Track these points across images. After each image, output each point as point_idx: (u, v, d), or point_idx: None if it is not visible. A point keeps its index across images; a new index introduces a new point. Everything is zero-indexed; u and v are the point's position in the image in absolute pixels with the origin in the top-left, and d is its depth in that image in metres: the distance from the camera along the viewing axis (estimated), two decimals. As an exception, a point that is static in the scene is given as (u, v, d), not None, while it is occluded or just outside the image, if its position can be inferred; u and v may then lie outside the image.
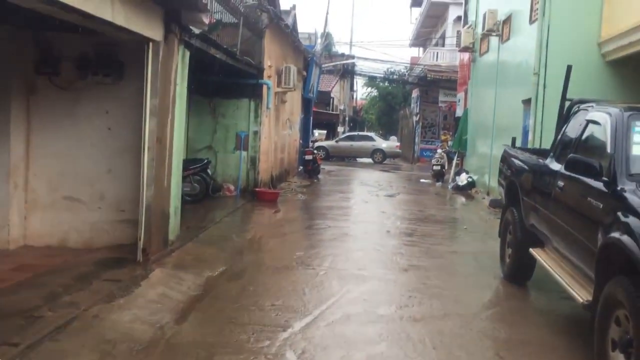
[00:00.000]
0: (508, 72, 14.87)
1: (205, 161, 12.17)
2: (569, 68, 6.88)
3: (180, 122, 7.93)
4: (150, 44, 6.78)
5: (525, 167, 6.89)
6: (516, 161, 7.34)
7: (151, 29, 6.64)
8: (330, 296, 6.06)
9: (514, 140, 8.70)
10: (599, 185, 4.58)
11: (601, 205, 4.45)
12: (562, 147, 5.97)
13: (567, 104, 6.47)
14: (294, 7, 22.87)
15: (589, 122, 5.40)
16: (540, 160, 6.43)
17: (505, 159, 7.94)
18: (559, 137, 6.19)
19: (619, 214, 4.15)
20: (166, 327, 5.11)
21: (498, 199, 13.59)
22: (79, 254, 7.30)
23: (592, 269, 4.52)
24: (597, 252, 4.29)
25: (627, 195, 4.23)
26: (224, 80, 12.88)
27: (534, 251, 6.18)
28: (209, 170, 12.31)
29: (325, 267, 7.32)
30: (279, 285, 6.53)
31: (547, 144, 11.12)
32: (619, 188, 4.35)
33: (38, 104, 7.59)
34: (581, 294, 4.73)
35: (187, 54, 7.92)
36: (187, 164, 11.86)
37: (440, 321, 5.41)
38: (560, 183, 5.42)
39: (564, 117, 6.41)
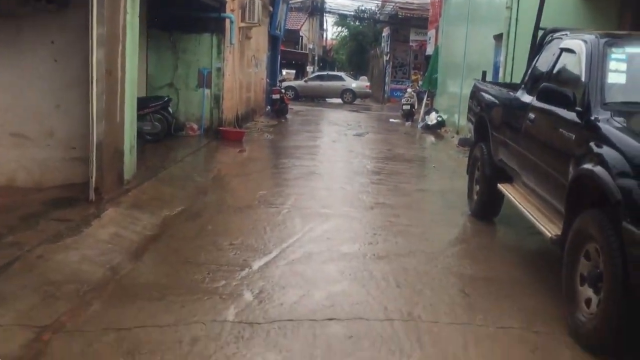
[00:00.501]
0: (480, 7, 14.45)
1: (166, 99, 11.65)
2: (543, -4, 6.53)
3: (133, 53, 7.41)
4: (95, -35, 6.21)
5: (495, 101, 6.64)
6: (486, 95, 7.08)
7: (95, -51, 6.06)
8: (292, 235, 5.83)
9: (484, 74, 8.43)
10: (572, 115, 4.35)
11: (574, 136, 4.24)
12: (534, 79, 5.71)
13: (540, 33, 6.17)
14: (259, -62, 21.75)
15: (562, 50, 5.13)
16: (511, 93, 6.17)
17: (475, 94, 7.68)
18: (531, 67, 5.92)
19: (592, 144, 3.94)
20: (118, 267, 4.84)
21: (467, 137, 13.43)
22: (27, 194, 6.89)
23: (562, 203, 4.34)
24: (568, 185, 4.09)
25: (600, 124, 4.02)
26: (184, 13, 12.23)
27: (502, 186, 6.01)
28: (170, 109, 11.79)
29: (289, 205, 7.07)
30: (240, 224, 6.27)
31: (518, 80, 10.89)
32: (592, 118, 4.13)
33: (-24, 33, 7.00)
34: (550, 229, 4.57)
35: (139, -20, 7.34)
36: (146, 101, 11.36)
37: (405, 258, 5.23)
38: (532, 115, 5.18)
39: (537, 47, 6.12)
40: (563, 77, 5.03)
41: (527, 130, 5.29)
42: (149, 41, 12.50)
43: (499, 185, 6.06)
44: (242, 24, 14.42)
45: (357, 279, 4.69)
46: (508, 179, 6.13)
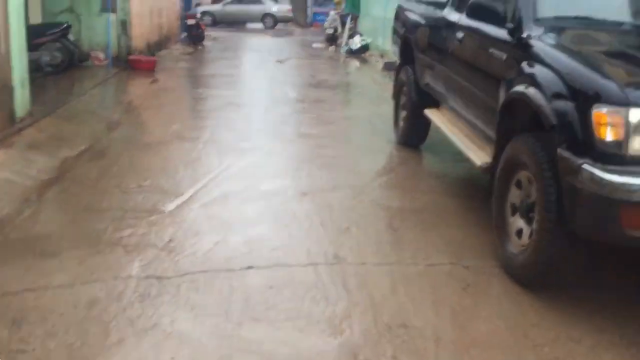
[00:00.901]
0: None
1: (65, 25, 10.53)
2: None
3: (15, -28, 6.45)
4: None
5: (421, 21, 6.24)
6: (411, 15, 6.66)
7: None
8: (208, 173, 5.36)
9: (409, -8, 7.92)
10: (502, 33, 4.01)
11: (505, 55, 3.92)
12: (462, -5, 5.32)
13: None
14: None
15: (492, -38, 4.72)
16: (438, 12, 5.78)
17: (399, 14, 7.25)
18: (458, -17, 5.51)
19: (524, 64, 3.63)
20: (5, 219, 4.25)
21: (392, 61, 13.09)
22: None
23: (492, 128, 4.08)
24: (499, 109, 3.81)
25: (532, 42, 3.70)
26: None
27: (428, 112, 5.72)
28: (71, 36, 10.71)
29: (205, 140, 6.54)
30: (149, 163, 5.71)
31: None
32: (524, 35, 3.80)
33: None
34: (479, 157, 4.33)
35: None
36: (42, 29, 10.29)
37: (329, 194, 4.90)
38: (460, 34, 4.82)
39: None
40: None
41: (454, 52, 4.94)
42: (40, -40, 11.19)
43: (425, 111, 5.77)
44: (148, -59, 13.18)
45: (278, 220, 4.32)
46: (435, 104, 5.85)
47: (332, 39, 19.41)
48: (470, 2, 4.21)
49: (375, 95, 10.05)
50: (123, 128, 7.16)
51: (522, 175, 3.53)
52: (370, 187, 5.10)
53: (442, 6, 6.18)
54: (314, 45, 19.61)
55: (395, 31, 7.47)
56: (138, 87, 10.15)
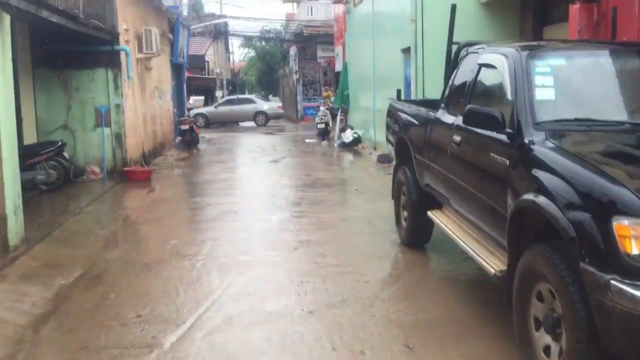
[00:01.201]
0: (384, 21, 14.30)
1: (59, 144, 10.59)
2: (453, 7, 6.24)
3: (7, 100, 6.49)
4: (-54, 5, 5.32)
5: (415, 121, 6.25)
6: (404, 115, 6.69)
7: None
8: (209, 294, 5.13)
9: (399, 92, 8.06)
10: (502, 138, 3.96)
11: (507, 161, 3.83)
12: (454, 97, 5.34)
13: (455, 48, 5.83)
14: (152, -36, 20.85)
15: (482, 66, 4.76)
16: (431, 113, 5.79)
17: (392, 113, 7.28)
18: (449, 85, 5.55)
19: (530, 170, 3.54)
20: (-3, 367, 3.98)
21: (386, 154, 13.18)
22: None
23: (502, 234, 3.93)
24: (509, 217, 3.67)
25: (535, 148, 3.63)
26: (73, 48, 11.25)
27: (432, 214, 5.59)
28: (65, 153, 10.75)
29: (204, 255, 6.35)
30: (148, 286, 5.48)
31: (430, 94, 10.70)
32: (525, 140, 3.74)
33: None
34: (492, 263, 4.14)
35: (7, 18, 6.45)
36: (36, 149, 10.36)
37: (338, 310, 4.66)
38: (457, 137, 4.78)
39: (452, 62, 5.78)
40: (486, 95, 4.67)
41: (453, 154, 4.88)
42: (35, 81, 11.43)
43: (429, 213, 5.64)
44: (140, 55, 13.56)
45: (286, 346, 4.06)
46: (437, 204, 5.73)
47: (324, 134, 19.72)
48: (466, 109, 4.15)
49: (373, 192, 9.97)
50: (120, 248, 6.98)
51: (543, 287, 3.35)
52: (379, 300, 4.87)
53: (433, 106, 6.26)
54: (307, 140, 19.87)
55: (389, 128, 7.48)
56: (134, 200, 10.07)
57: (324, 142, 18.89)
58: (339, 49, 21.57)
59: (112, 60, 11.75)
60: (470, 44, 5.48)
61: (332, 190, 10.29)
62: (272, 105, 30.86)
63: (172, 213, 8.92)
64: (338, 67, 21.68)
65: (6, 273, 5.83)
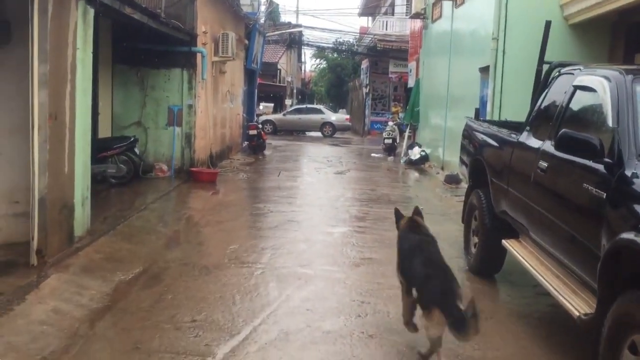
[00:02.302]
0: (463, 39, 13.91)
1: (132, 139, 10.77)
2: (548, 24, 5.86)
3: (85, 93, 6.58)
4: (36, -4, 5.41)
5: (495, 143, 5.91)
6: (482, 136, 6.35)
7: (35, -23, 5.27)
8: (266, 306, 4.96)
9: (477, 111, 7.75)
10: (599, 168, 3.60)
11: (604, 194, 3.47)
12: (541, 120, 4.99)
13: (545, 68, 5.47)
14: (234, -29, 21.23)
15: (577, 88, 4.41)
16: (513, 136, 5.44)
17: (469, 133, 6.96)
18: (537, 107, 5.19)
19: (632, 207, 3.18)
20: (49, 358, 3.92)
21: (454, 175, 12.76)
22: (-39, 256, 5.97)
23: (591, 274, 3.56)
24: (603, 257, 3.31)
25: (638, 181, 3.26)
26: (152, 47, 11.47)
27: (508, 243, 5.23)
28: (136, 149, 10.93)
29: (263, 264, 6.21)
30: (205, 291, 5.37)
31: (507, 115, 10.25)
32: (627, 173, 3.37)
33: None
34: (576, 304, 3.77)
35: (91, 11, 6.55)
36: (110, 142, 10.54)
37: (400, 337, 4.38)
38: (543, 164, 4.43)
39: (542, 83, 5.42)
40: (581, 120, 4.31)
41: (538, 181, 4.53)
42: (114, 77, 11.71)
43: (504, 242, 5.28)
44: (216, 58, 13.70)
45: (344, 372, 3.83)
46: (513, 232, 5.37)
47: (391, 149, 19.41)
48: (560, 134, 3.81)
49: (439, 212, 9.62)
50: (180, 247, 6.94)
51: (638, 339, 2.98)
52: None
53: (514, 128, 5.90)
54: (373, 154, 19.60)
55: (463, 150, 7.16)
56: (198, 201, 10.09)
57: (390, 158, 18.58)
58: (412, 64, 21.25)
59: (188, 61, 11.90)
60: (563, 65, 5.13)
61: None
62: (339, 117, 30.78)
63: (234, 217, 8.85)
64: (410, 83, 21.36)
65: (69, 263, 5.85)
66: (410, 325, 4.19)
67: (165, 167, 11.84)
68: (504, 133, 5.76)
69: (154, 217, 8.42)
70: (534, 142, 4.84)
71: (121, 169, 10.53)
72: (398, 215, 4.63)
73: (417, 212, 4.64)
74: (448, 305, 3.62)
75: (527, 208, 4.77)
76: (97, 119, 10.44)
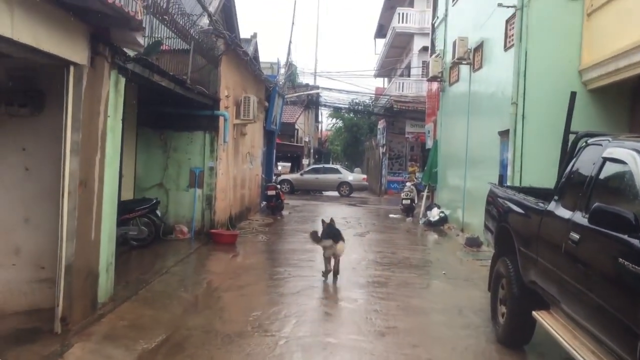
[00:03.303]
0: (481, 102, 14.08)
1: (154, 201, 10.89)
2: (573, 95, 5.94)
3: (114, 161, 6.71)
4: (71, 68, 5.61)
5: (521, 211, 5.87)
6: (508, 203, 6.33)
7: (72, 50, 5.47)
8: (292, 380, 4.86)
9: (501, 177, 7.75)
10: (635, 243, 3.55)
11: (642, 271, 3.41)
12: (570, 190, 4.97)
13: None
14: (255, 36, 21.91)
15: (606, 160, 4.40)
16: (541, 204, 5.41)
17: (493, 199, 6.93)
18: (565, 177, 5.18)
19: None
20: None
21: (475, 237, 12.66)
22: (-15, 322, 5.96)
23: (630, 352, 3.46)
24: (644, 337, 3.22)
25: (677, 259, 3.21)
26: (176, 111, 11.74)
27: (539, 315, 5.11)
28: (158, 211, 11.02)
29: (286, 333, 6.11)
30: (229, 362, 5.28)
31: (529, 179, 10.24)
32: (665, 249, 3.32)
33: (-63, 140, 6.31)
34: (617, 386, 3.65)
35: (122, 80, 6.75)
36: (132, 205, 10.63)
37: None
38: (575, 235, 4.38)
39: (568, 153, 5.42)
40: (611, 192, 4.28)
41: (569, 253, 4.47)
42: (138, 140, 11.94)
43: (535, 314, 5.17)
44: (237, 121, 13.96)
45: None
46: (542, 303, 5.26)
47: (409, 210, 19.36)
48: (594, 208, 3.78)
49: (462, 277, 9.49)
50: (202, 315, 6.87)
51: None
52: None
53: (539, 195, 5.88)
54: (391, 215, 19.55)
55: (488, 216, 7.12)
56: (219, 264, 10.06)
57: (409, 219, 18.51)
58: (429, 125, 21.45)
59: (211, 124, 12.13)
60: (590, 135, 5.14)
61: (419, 273, 9.86)
62: (356, 176, 30.92)
63: (255, 281, 8.80)
64: (428, 144, 21.51)
65: (92, 331, 5.82)
66: (327, 269, 8.68)
67: (185, 229, 11.89)
68: (530, 201, 5.74)
69: (175, 281, 8.39)
70: (564, 212, 4.81)
71: (143, 232, 10.60)
72: (314, 234, 8.96)
73: (332, 220, 9.16)
74: (335, 238, 8.55)
75: (558, 279, 4.69)
76: (121, 181, 10.58)
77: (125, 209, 10.21)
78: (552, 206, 5.12)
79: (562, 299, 4.68)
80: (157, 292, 7.62)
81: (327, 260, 8.64)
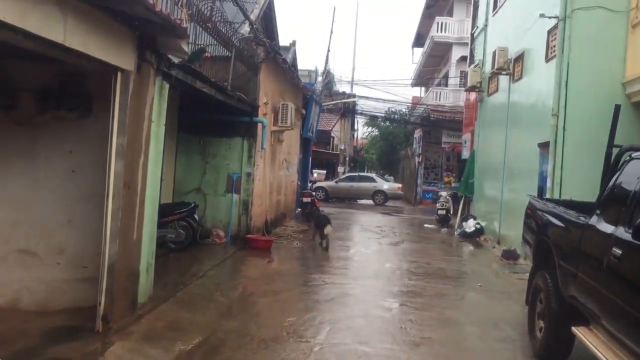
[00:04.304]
0: (521, 113, 13.90)
1: (192, 205, 11.08)
2: (617, 108, 5.84)
3: (156, 165, 6.86)
4: (119, 74, 5.78)
5: (562, 224, 5.79)
6: (548, 216, 6.25)
7: (119, 56, 5.64)
8: (327, 386, 4.89)
9: (540, 189, 7.64)
10: (682, 260, 3.48)
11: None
12: (612, 204, 4.89)
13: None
14: (294, 44, 22.08)
15: (652, 175, 4.33)
16: (582, 218, 5.33)
17: (532, 212, 6.85)
18: (607, 191, 5.10)
19: None
20: None
21: (511, 250, 12.47)
22: (30, 319, 6.17)
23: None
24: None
25: None
26: (215, 117, 11.93)
27: (579, 331, 5.03)
28: (196, 215, 11.20)
29: (321, 340, 6.14)
30: (264, 367, 5.34)
31: (568, 191, 10.07)
32: None
33: (-12, 142, 6.56)
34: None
35: (166, 86, 6.91)
36: (171, 208, 10.83)
37: None
38: (617, 251, 4.31)
39: (612, 167, 5.33)
40: (657, 208, 4.20)
41: (612, 268, 4.39)
42: (178, 145, 12.17)
43: (574, 330, 5.08)
44: (275, 128, 14.10)
45: None
46: (581, 318, 5.17)
47: (445, 220, 19.23)
48: (638, 222, 3.72)
49: (498, 290, 9.38)
50: (238, 317, 6.96)
51: None
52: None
53: (580, 208, 5.79)
54: (426, 225, 19.43)
55: (527, 229, 7.04)
56: (254, 269, 10.16)
57: (444, 230, 18.36)
58: (467, 136, 21.27)
59: (249, 131, 12.29)
60: (634, 149, 5.05)
61: (454, 284, 9.78)
62: (391, 185, 30.83)
63: (290, 287, 8.86)
64: (465, 154, 21.33)
65: (132, 330, 5.95)
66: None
67: (222, 233, 12.04)
68: (571, 215, 5.66)
69: (212, 284, 8.51)
70: (606, 227, 4.73)
71: (180, 234, 10.80)
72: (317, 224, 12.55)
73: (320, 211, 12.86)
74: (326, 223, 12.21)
75: (599, 295, 4.61)
76: (161, 185, 10.79)
77: (164, 212, 10.38)
78: (594, 220, 5.04)
79: (603, 315, 4.60)
80: (194, 295, 7.75)
81: (322, 237, 12.38)
